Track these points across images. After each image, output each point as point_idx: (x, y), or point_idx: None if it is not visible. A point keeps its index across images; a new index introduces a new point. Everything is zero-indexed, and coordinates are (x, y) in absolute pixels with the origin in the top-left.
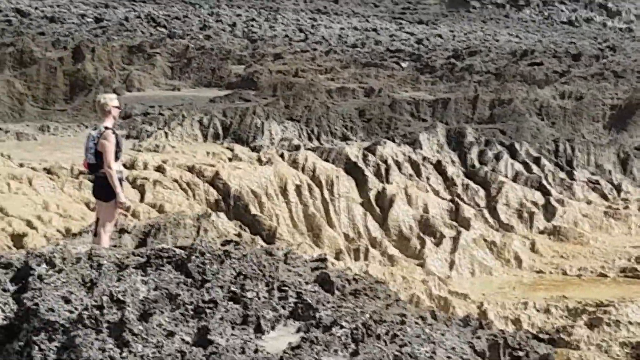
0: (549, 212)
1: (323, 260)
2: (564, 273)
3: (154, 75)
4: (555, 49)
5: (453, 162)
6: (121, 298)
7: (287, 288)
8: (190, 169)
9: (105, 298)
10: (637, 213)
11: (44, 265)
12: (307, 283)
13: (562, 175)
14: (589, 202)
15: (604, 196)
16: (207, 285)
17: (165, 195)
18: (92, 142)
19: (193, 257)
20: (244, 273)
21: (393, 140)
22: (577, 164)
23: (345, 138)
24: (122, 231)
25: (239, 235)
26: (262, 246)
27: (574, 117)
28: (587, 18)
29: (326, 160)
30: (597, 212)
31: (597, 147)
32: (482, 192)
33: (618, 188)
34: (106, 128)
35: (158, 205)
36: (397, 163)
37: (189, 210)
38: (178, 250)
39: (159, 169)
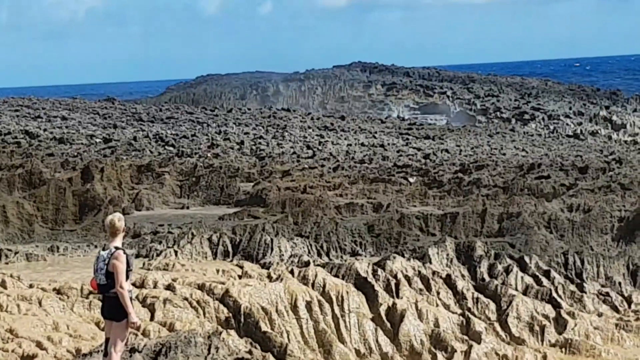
0: (560, 324)
1: None
2: None
3: (162, 193)
4: (562, 162)
5: (463, 276)
6: None
7: None
8: (201, 287)
9: None
10: None
11: None
12: None
13: (572, 287)
14: (600, 315)
15: (614, 308)
16: None
17: (175, 313)
18: (102, 263)
19: None
20: None
21: (402, 255)
22: (586, 276)
23: (354, 253)
24: (132, 350)
25: (250, 352)
26: None
27: (582, 230)
28: (593, 131)
29: (336, 275)
30: (609, 325)
31: (607, 259)
32: (492, 306)
33: (628, 300)
34: (116, 248)
35: (168, 323)
36: (407, 278)
37: (200, 328)
38: None
39: (169, 287)
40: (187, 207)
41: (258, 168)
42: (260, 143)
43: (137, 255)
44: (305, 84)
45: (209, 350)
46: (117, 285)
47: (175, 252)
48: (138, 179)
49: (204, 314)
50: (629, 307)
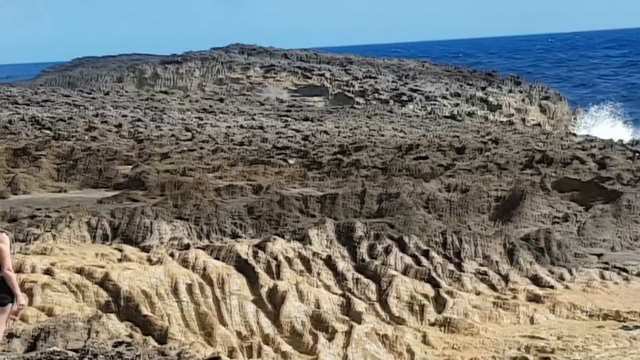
0: (439, 304)
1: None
2: None
3: (39, 177)
4: (440, 142)
5: (343, 257)
6: None
7: None
8: (80, 271)
9: None
10: (525, 303)
11: None
12: None
13: (451, 267)
14: (478, 293)
15: (492, 287)
16: None
17: (54, 298)
18: None
19: (85, 359)
20: None
21: (283, 237)
22: (465, 255)
23: (235, 236)
24: (10, 336)
25: (131, 336)
26: (154, 347)
27: (460, 209)
28: (469, 112)
29: (216, 258)
30: (487, 303)
31: (484, 238)
32: (373, 286)
33: (506, 278)
34: None
35: (47, 308)
36: (288, 259)
37: (79, 312)
38: (70, 353)
39: (48, 271)
40: (65, 191)
41: (137, 151)
42: (138, 126)
43: (14, 240)
44: (183, 67)
45: (88, 334)
46: (4, 268)
47: (54, 236)
48: (14, 162)
49: (84, 298)
50: (506, 285)
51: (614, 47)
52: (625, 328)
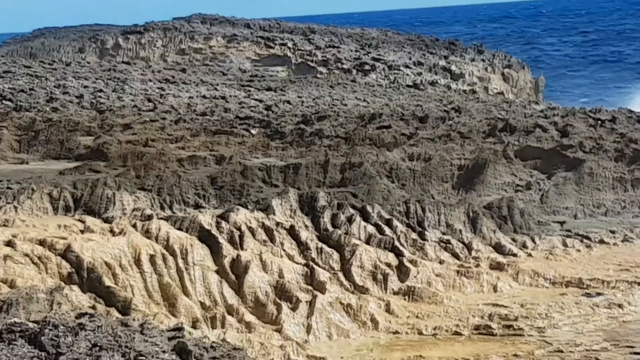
0: (403, 272)
1: (180, 329)
2: (420, 333)
3: (0, 149)
4: (402, 111)
5: (306, 226)
6: None
7: (143, 358)
8: (42, 243)
9: None
10: (488, 271)
11: None
12: (164, 352)
13: (414, 236)
14: (441, 262)
15: (455, 255)
16: (62, 358)
17: (16, 270)
18: None
19: (46, 331)
20: (99, 344)
21: (246, 207)
22: (428, 224)
23: (197, 206)
24: None
25: (94, 307)
26: (117, 318)
27: (423, 178)
28: (432, 81)
29: (179, 229)
30: (450, 272)
31: (447, 207)
32: (336, 256)
33: (469, 247)
34: None
35: (9, 280)
36: (251, 229)
37: (42, 284)
38: (31, 324)
39: (9, 243)
40: (26, 162)
41: (98, 122)
42: (100, 97)
43: None
44: (144, 37)
45: (51, 306)
46: None
47: (15, 207)
48: None
49: (46, 270)
50: (469, 254)
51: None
52: (588, 295)
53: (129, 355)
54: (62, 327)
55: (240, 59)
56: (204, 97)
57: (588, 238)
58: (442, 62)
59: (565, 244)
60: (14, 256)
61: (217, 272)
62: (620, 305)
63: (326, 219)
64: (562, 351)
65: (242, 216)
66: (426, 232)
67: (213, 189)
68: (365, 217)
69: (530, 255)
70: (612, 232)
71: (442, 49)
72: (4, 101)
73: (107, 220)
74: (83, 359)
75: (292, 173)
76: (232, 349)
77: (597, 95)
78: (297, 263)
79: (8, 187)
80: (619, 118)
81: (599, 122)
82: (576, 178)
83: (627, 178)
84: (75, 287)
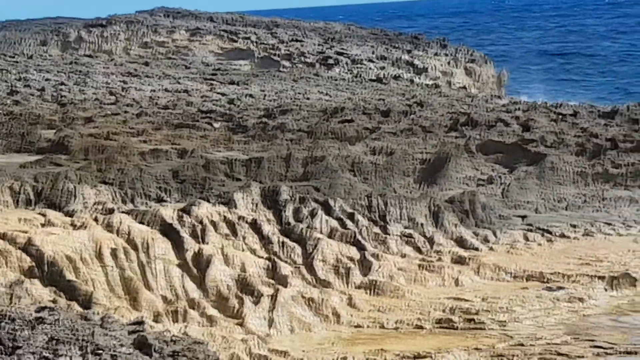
0: (365, 266)
1: (141, 323)
2: (382, 326)
3: None
4: (365, 105)
5: (269, 220)
6: None
7: (101, 351)
8: (2, 236)
9: None
10: (450, 265)
11: None
12: (122, 346)
13: (377, 230)
14: (403, 256)
15: (417, 249)
16: (19, 351)
17: None
18: None
19: (3, 324)
20: (56, 338)
21: (208, 201)
22: (390, 218)
23: (159, 200)
24: None
25: (55, 301)
26: (78, 312)
27: (385, 172)
28: (395, 75)
29: (141, 222)
30: (412, 265)
31: (409, 201)
32: (298, 249)
33: (431, 241)
34: None
35: None
36: (213, 223)
37: (2, 278)
38: None
39: None
40: None
41: (60, 115)
42: (62, 90)
43: None
44: (107, 30)
45: (11, 299)
46: None
47: None
48: None
49: (7, 263)
50: (432, 247)
51: None
52: (549, 289)
53: (86, 349)
54: (19, 320)
55: (203, 53)
56: (167, 90)
57: (549, 232)
58: (406, 57)
59: (526, 238)
60: None
61: (179, 265)
62: (581, 299)
63: (289, 212)
64: (523, 345)
65: (204, 210)
66: (388, 226)
67: (175, 183)
68: (328, 211)
69: (492, 249)
70: (574, 226)
71: (406, 43)
72: None
73: (68, 214)
74: (40, 352)
75: (255, 167)
76: (193, 342)
77: (560, 90)
78: (260, 257)
79: None
80: (581, 112)
81: (561, 116)
82: (538, 172)
83: (588, 172)
84: (36, 281)
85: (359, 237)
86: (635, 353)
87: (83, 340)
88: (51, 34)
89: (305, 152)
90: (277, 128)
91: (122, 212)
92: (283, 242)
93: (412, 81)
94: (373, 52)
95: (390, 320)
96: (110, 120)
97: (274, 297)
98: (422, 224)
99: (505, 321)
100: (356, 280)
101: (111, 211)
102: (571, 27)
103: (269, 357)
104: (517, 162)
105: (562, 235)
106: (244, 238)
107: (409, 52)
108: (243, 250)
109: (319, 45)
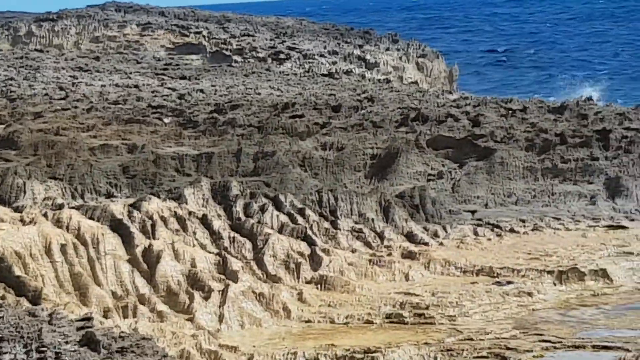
0: (315, 261)
1: (89, 319)
2: (332, 321)
3: None
4: (316, 100)
5: (219, 215)
6: None
7: (45, 349)
8: None
9: None
10: (400, 260)
11: None
12: (67, 343)
13: (327, 225)
14: (353, 251)
15: (367, 244)
16: None
17: None
18: None
19: None
20: (1, 336)
21: (158, 196)
22: (340, 213)
23: (109, 195)
24: None
25: (3, 297)
26: (26, 308)
27: (335, 168)
28: (347, 70)
29: (91, 218)
30: (362, 260)
31: (360, 196)
32: (248, 245)
33: (381, 236)
34: None
35: None
36: (163, 218)
37: None
38: None
39: None
40: None
41: (9, 110)
42: (11, 85)
43: None
44: (58, 24)
45: None
46: None
47: None
48: None
49: None
50: (382, 242)
51: None
52: (498, 284)
53: (31, 346)
54: None
55: (154, 47)
56: (117, 85)
57: (499, 227)
58: (357, 51)
59: (476, 233)
60: None
61: (128, 261)
62: (529, 294)
63: (239, 208)
64: (472, 339)
65: (154, 205)
66: (339, 221)
67: (125, 178)
68: (278, 206)
69: (441, 244)
70: (523, 221)
71: (357, 38)
72: None
73: (17, 210)
74: None
75: (205, 162)
76: (141, 338)
77: (510, 85)
78: (210, 252)
79: None
80: (530, 108)
81: (510, 111)
82: (487, 167)
83: (537, 167)
84: None
85: (310, 232)
86: (583, 347)
87: (28, 337)
88: (1, 29)
89: (256, 147)
90: (227, 123)
91: (72, 207)
92: (233, 238)
93: (363, 76)
94: (325, 47)
95: (340, 315)
96: (60, 116)
97: (224, 293)
98: (372, 219)
99: (454, 316)
100: (306, 275)
101: (61, 207)
102: (531, 22)
103: (219, 352)
104: (467, 157)
105: (512, 230)
106: (194, 233)
107: (360, 47)
108: (193, 245)
109: (270, 40)
